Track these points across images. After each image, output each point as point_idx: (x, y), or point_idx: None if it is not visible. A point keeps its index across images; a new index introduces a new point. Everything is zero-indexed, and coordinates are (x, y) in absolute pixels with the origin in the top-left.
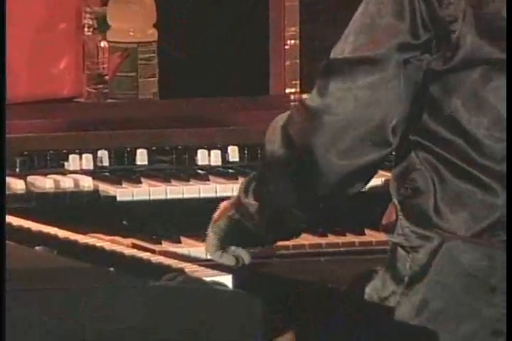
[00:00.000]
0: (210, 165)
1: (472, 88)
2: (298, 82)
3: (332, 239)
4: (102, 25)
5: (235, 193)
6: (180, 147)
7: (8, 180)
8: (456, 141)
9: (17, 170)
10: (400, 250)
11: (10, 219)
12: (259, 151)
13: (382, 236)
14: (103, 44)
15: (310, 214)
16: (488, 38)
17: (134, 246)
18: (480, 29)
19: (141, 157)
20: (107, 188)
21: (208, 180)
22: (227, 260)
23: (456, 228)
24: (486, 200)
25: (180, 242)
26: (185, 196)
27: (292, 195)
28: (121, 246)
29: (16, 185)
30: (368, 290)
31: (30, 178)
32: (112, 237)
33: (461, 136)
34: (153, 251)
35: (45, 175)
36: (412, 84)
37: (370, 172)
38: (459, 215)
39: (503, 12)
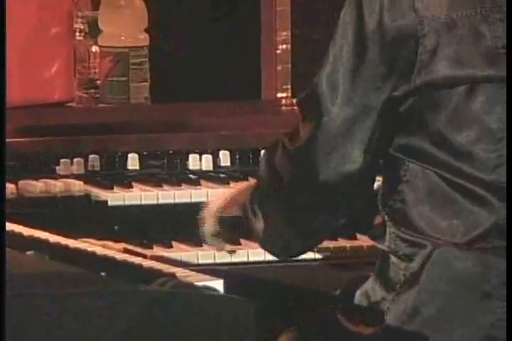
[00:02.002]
0: (201, 170)
1: (457, 104)
2: (289, 86)
3: (324, 243)
4: (93, 30)
5: None
6: (171, 152)
7: None
8: (442, 156)
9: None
10: (392, 258)
11: None
12: (250, 156)
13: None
14: (94, 49)
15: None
16: (465, 59)
17: (126, 250)
18: (456, 52)
19: (133, 161)
20: (98, 193)
21: (200, 185)
22: (222, 245)
23: (449, 236)
24: (477, 210)
25: (171, 247)
26: (177, 201)
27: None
28: (112, 250)
29: (7, 189)
30: (357, 296)
31: (21, 183)
32: (103, 242)
33: (449, 150)
34: (144, 256)
35: (36, 179)
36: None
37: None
38: (450, 224)
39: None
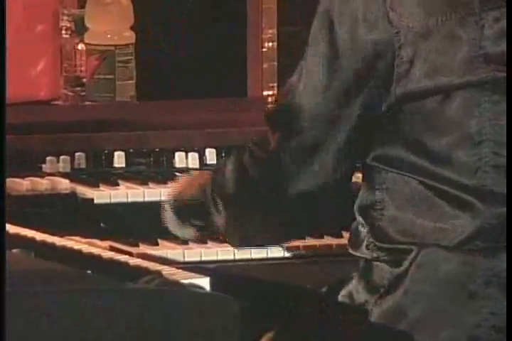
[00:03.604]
0: (187, 168)
1: (433, 111)
2: (276, 84)
3: (309, 241)
4: (79, 28)
5: None
6: (157, 149)
7: None
8: (422, 163)
9: None
10: (377, 262)
11: None
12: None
13: None
14: (80, 46)
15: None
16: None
17: (112, 248)
18: (433, 61)
19: (119, 159)
20: (84, 191)
21: None
22: (187, 233)
23: (433, 241)
24: (461, 214)
25: (157, 245)
26: (163, 198)
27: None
28: (98, 248)
29: None
30: (341, 296)
31: (7, 181)
32: (89, 240)
33: (428, 157)
34: (130, 254)
35: (22, 177)
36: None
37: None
38: (434, 230)
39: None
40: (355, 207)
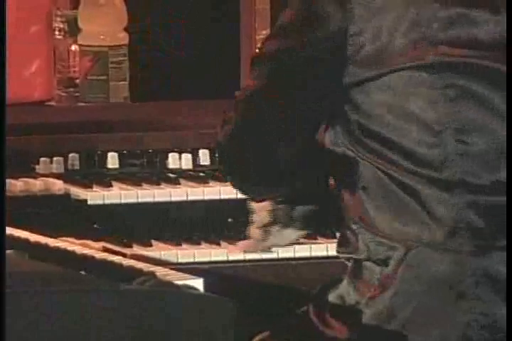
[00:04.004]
0: (181, 169)
1: (394, 101)
2: None
3: (303, 242)
4: (72, 29)
5: (206, 197)
6: (151, 150)
7: None
8: (388, 154)
9: None
10: (365, 262)
11: None
12: None
13: None
14: (74, 47)
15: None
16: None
17: (105, 249)
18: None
19: (112, 160)
20: (77, 192)
21: (179, 184)
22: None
23: (416, 239)
24: (434, 210)
25: (151, 246)
26: (156, 199)
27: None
28: (92, 249)
29: None
30: (331, 298)
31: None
32: (82, 241)
33: (393, 148)
34: (124, 255)
35: (16, 178)
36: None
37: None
38: (412, 225)
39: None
40: (343, 206)
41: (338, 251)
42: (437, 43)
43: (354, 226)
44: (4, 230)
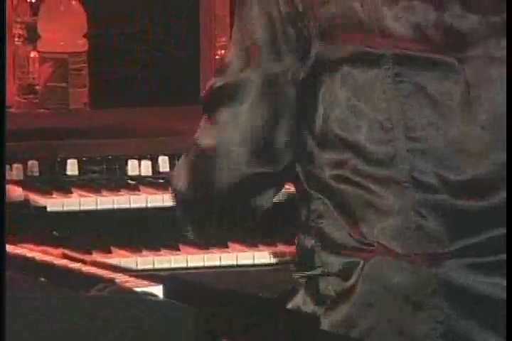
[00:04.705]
0: (140, 176)
1: (342, 98)
2: None
3: (263, 249)
4: (32, 35)
5: (165, 203)
6: (110, 157)
7: None
8: (344, 155)
9: None
10: (322, 277)
11: None
12: None
13: None
14: (33, 54)
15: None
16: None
17: (65, 256)
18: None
19: (72, 167)
20: (37, 198)
21: (139, 191)
22: None
23: (377, 244)
24: (382, 208)
25: (110, 252)
26: (116, 206)
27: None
28: (51, 256)
29: None
30: (289, 307)
31: None
32: (42, 247)
33: (349, 149)
34: (83, 262)
35: None
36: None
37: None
38: (373, 231)
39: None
40: (298, 220)
41: (295, 273)
42: (386, 34)
43: (310, 242)
44: (4, 230)
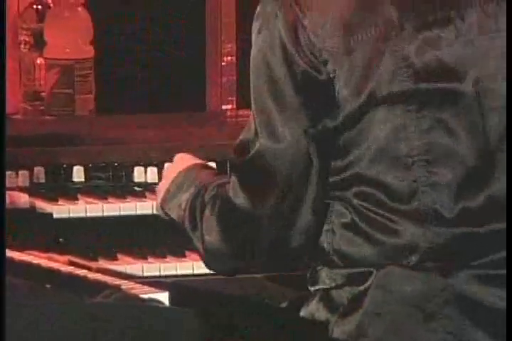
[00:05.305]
0: (146, 182)
1: (365, 137)
2: (234, 98)
3: None
4: (38, 42)
5: None
6: (116, 164)
7: None
8: (370, 191)
9: None
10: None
11: None
12: None
13: None
14: (39, 61)
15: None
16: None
17: (71, 263)
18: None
19: (78, 174)
20: (43, 205)
21: (145, 197)
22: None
23: (385, 259)
24: (398, 235)
25: (116, 259)
26: (122, 213)
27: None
28: (57, 263)
29: None
30: (302, 314)
31: None
32: (48, 254)
33: (373, 185)
34: (89, 268)
35: None
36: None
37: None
38: (386, 252)
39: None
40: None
41: (309, 288)
42: (412, 72)
43: (319, 263)
44: (4, 230)
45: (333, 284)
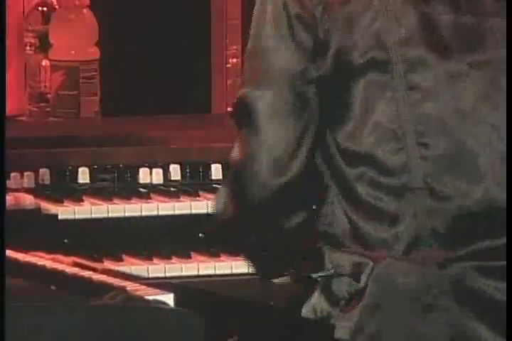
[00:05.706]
0: (151, 184)
1: (357, 109)
2: None
3: None
4: (43, 44)
5: (177, 212)
6: (121, 165)
7: None
8: (360, 168)
9: None
10: (335, 279)
11: None
12: (201, 170)
13: None
14: (44, 62)
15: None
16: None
17: (76, 264)
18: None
19: (83, 175)
20: (48, 206)
21: (150, 199)
22: None
23: (384, 247)
24: (393, 217)
25: (122, 260)
26: (127, 214)
27: None
28: (62, 264)
29: None
30: (304, 310)
31: None
32: (53, 255)
33: (364, 162)
34: (94, 270)
35: None
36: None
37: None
38: (379, 236)
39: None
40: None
41: (310, 275)
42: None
43: (320, 245)
44: (3, 234)
45: (331, 273)
